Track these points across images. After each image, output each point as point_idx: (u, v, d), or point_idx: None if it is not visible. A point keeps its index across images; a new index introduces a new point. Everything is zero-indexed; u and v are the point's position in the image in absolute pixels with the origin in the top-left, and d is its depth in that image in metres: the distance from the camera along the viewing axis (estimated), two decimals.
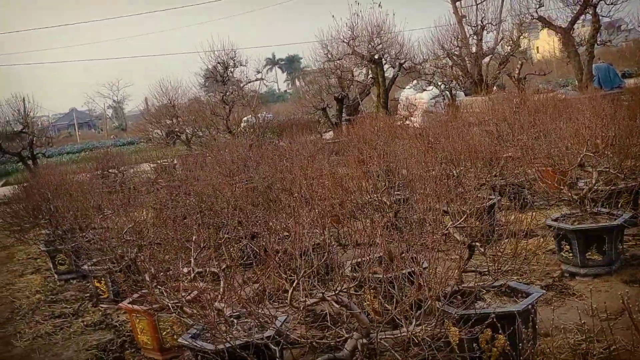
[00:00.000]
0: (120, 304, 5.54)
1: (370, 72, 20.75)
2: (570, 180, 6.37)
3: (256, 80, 22.58)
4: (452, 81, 19.99)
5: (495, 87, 22.94)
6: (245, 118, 21.37)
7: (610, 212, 5.89)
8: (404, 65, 18.50)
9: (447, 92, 20.07)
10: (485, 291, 4.28)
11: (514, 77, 17.54)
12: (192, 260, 4.57)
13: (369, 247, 4.98)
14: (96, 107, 70.89)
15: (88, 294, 7.87)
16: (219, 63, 18.41)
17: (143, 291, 5.56)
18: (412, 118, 20.89)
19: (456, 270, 4.09)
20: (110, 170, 16.12)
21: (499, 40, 23.21)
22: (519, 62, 18.31)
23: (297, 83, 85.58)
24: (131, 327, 5.90)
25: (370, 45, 17.71)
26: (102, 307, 7.19)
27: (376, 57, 17.65)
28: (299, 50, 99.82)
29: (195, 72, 65.10)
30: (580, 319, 3.81)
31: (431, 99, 26.69)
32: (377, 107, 18.68)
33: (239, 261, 5.40)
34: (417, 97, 26.06)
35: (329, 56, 20.44)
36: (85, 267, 7.19)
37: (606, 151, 6.02)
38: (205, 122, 18.08)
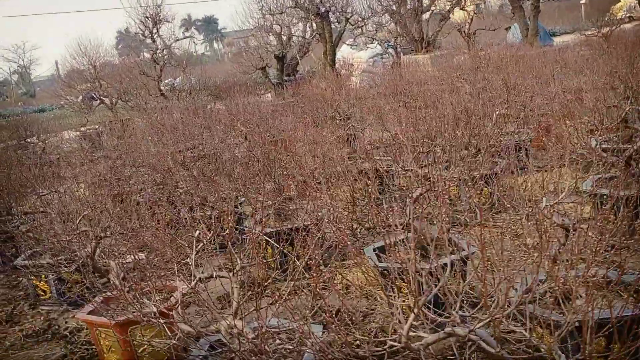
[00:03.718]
0: (78, 315, 4.27)
1: (310, 27, 19.50)
2: (601, 139, 5.53)
3: (184, 38, 20.86)
4: (397, 38, 19.05)
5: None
6: (166, 81, 19.62)
7: None
8: (349, 20, 17.33)
9: (392, 50, 19.14)
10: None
11: (464, 32, 16.80)
12: (191, 259, 3.37)
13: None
14: None
15: (22, 292, 6.46)
16: (147, 17, 16.56)
17: (106, 294, 4.33)
18: (351, 78, 19.91)
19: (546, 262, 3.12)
20: (28, 140, 14.23)
21: None
22: (469, 16, 17.58)
23: (215, 45, 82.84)
24: (92, 341, 4.65)
25: None
26: (42, 310, 5.84)
27: (322, 10, 16.38)
28: (216, 11, 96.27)
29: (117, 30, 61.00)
30: None
31: (370, 58, 25.78)
32: (325, 65, 17.50)
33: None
34: (354, 56, 25.05)
35: (264, 12, 18.99)
36: (20, 261, 5.78)
37: None
38: (135, 84, 16.31)
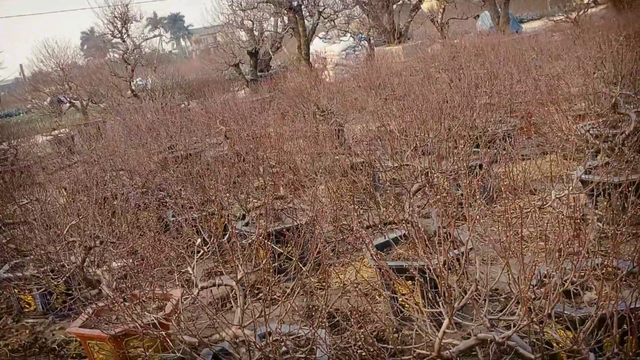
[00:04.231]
0: (70, 329, 4.08)
1: (282, 22, 19.32)
2: (598, 126, 5.48)
3: (154, 37, 20.52)
4: (369, 30, 18.96)
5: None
6: (135, 81, 19.22)
7: None
8: (322, 14, 17.18)
9: (366, 42, 19.05)
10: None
11: (437, 22, 16.79)
12: (192, 268, 3.22)
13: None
14: None
15: (4, 305, 6.22)
16: (115, 17, 16.18)
17: (96, 305, 4.16)
18: (325, 72, 19.78)
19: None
20: None
21: None
22: (441, 6, 17.58)
23: (183, 42, 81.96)
24: (83, 354, 4.47)
25: None
26: (27, 324, 5.62)
27: (294, 4, 16.19)
28: (181, 9, 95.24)
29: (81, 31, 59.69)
30: None
31: (342, 51, 25.65)
32: (299, 60, 17.33)
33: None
34: (327, 49, 24.90)
35: (234, 7, 18.72)
36: (2, 273, 5.55)
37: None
38: (105, 85, 15.93)
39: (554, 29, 19.27)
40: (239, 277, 3.05)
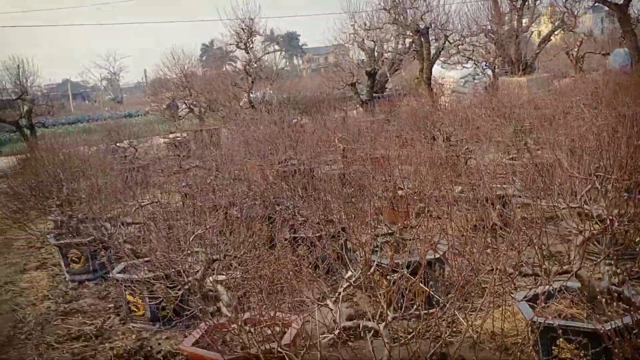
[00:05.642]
0: (182, 347, 3.79)
1: (403, 44, 18.93)
2: None
3: (274, 51, 20.75)
4: (495, 58, 18.12)
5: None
6: (254, 93, 19.46)
7: None
8: (448, 39, 16.60)
9: (489, 71, 18.23)
10: None
11: (572, 55, 15.75)
12: (337, 302, 2.80)
13: None
14: (90, 79, 68.61)
15: (112, 305, 6.13)
16: (242, 29, 16.44)
17: (212, 323, 3.84)
18: (442, 98, 19.10)
19: None
20: (118, 145, 14.24)
21: (533, 17, 21.41)
22: (579, 39, 16.50)
23: (295, 60, 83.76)
24: None
25: (415, 14, 15.76)
26: (133, 327, 5.46)
27: (422, 27, 15.74)
28: (296, 27, 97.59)
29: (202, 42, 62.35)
30: None
31: (461, 78, 24.78)
32: (419, 83, 16.83)
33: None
34: (445, 75, 24.14)
35: (355, 27, 18.52)
36: (117, 273, 5.42)
37: None
38: (226, 95, 16.17)
39: None
40: (388, 320, 2.60)
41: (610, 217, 3.21)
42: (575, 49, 16.01)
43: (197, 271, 3.73)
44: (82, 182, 7.14)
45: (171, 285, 3.95)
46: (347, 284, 2.93)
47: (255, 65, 17.92)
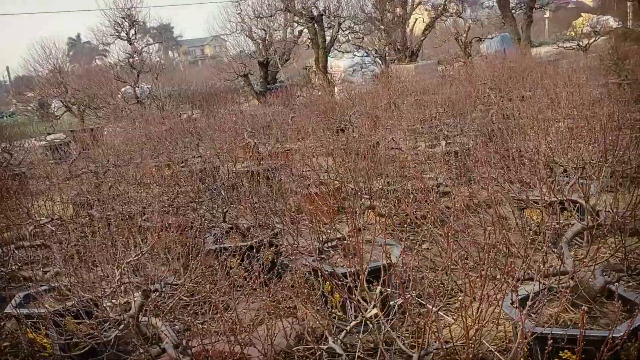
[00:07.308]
0: None
1: (292, 33, 18.50)
2: None
3: (157, 42, 19.60)
4: (386, 46, 18.16)
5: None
6: (123, 89, 18.14)
7: None
8: (341, 26, 16.32)
9: (379, 59, 18.24)
10: None
11: (461, 40, 16.06)
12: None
13: None
14: None
15: (7, 343, 5.15)
16: (124, 18, 15.19)
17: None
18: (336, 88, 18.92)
19: None
20: None
21: (415, 4, 21.86)
22: (467, 25, 16.87)
23: (170, 53, 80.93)
24: None
25: (306, 1, 15.29)
26: None
27: (315, 13, 15.32)
28: (170, 19, 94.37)
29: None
30: None
31: (349, 67, 24.78)
32: (315, 73, 16.44)
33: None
34: (333, 64, 24.01)
35: (242, 15, 17.81)
36: (12, 308, 4.48)
37: None
38: (109, 90, 14.88)
39: (559, 56, 18.82)
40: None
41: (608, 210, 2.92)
42: (464, 35, 16.36)
43: (130, 307, 3.02)
44: None
45: (94, 325, 3.19)
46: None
47: (137, 58, 16.72)
